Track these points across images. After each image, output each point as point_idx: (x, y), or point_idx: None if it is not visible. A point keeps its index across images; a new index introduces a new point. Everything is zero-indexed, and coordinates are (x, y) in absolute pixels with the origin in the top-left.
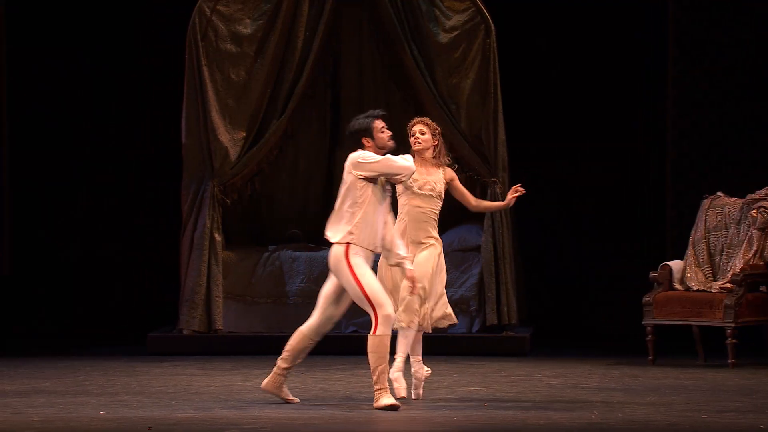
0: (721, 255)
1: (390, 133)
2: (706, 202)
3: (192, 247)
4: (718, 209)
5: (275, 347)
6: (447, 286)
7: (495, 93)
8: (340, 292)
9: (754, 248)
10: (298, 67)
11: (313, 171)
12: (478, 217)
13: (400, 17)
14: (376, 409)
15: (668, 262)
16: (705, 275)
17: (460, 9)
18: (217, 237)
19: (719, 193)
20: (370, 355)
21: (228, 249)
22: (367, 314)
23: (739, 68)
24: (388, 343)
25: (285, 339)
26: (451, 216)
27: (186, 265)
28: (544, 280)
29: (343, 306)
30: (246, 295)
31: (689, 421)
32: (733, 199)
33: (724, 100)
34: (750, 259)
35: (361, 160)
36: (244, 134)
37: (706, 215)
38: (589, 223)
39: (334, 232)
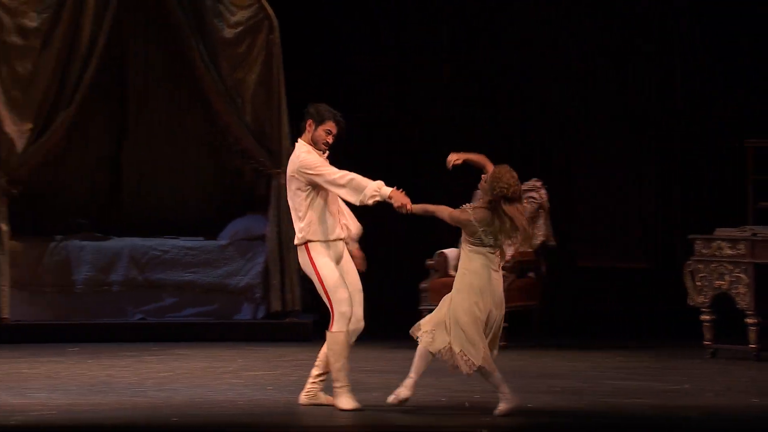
0: None
1: (330, 141)
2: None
3: None
4: None
5: (62, 335)
6: (233, 274)
7: (279, 87)
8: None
9: None
10: (85, 59)
11: (100, 162)
12: (262, 207)
13: (186, 12)
14: (336, 407)
15: (444, 250)
16: None
17: (245, 5)
18: (3, 227)
19: None
20: (327, 352)
21: (14, 239)
22: (155, 302)
23: (506, 64)
24: (343, 339)
25: (72, 327)
26: (237, 206)
27: None
28: None
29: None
30: (33, 285)
31: (463, 400)
32: None
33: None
34: (520, 247)
35: (315, 170)
36: (31, 126)
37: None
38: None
39: (296, 233)
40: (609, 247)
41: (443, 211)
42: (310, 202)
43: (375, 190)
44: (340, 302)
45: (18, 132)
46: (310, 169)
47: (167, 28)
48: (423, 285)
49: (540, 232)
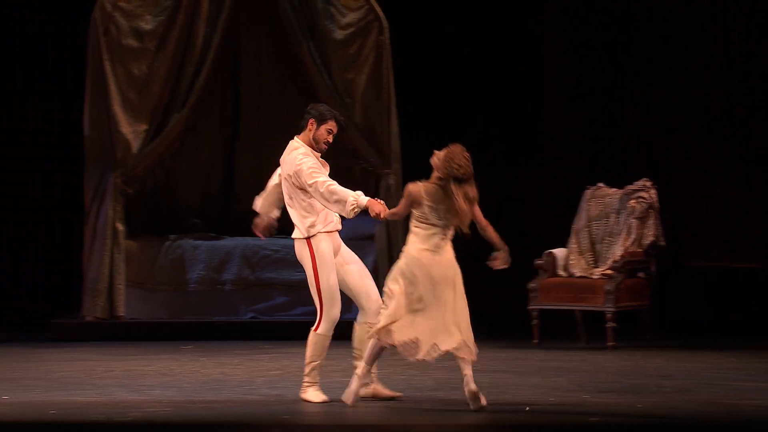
0: (602, 243)
1: (331, 140)
2: (587, 192)
3: (95, 236)
4: (599, 199)
5: (176, 333)
6: None
7: (388, 88)
8: (343, 271)
9: (633, 236)
10: (199, 61)
11: (213, 163)
12: None
13: (298, 14)
14: (302, 398)
15: (552, 250)
16: (587, 262)
17: (355, 7)
18: (120, 226)
19: (600, 184)
20: (307, 348)
21: (130, 238)
22: (266, 301)
23: (613, 63)
24: (326, 343)
25: (185, 325)
26: None
27: (89, 253)
28: None
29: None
30: (147, 283)
31: (572, 401)
32: (613, 189)
33: (601, 93)
34: (629, 247)
35: (309, 174)
36: (146, 127)
37: (588, 205)
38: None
39: (295, 227)
40: (721, 247)
41: (402, 203)
42: (311, 197)
43: (352, 203)
44: (332, 307)
45: (133, 133)
46: (302, 177)
47: (279, 31)
48: (531, 285)
49: (650, 232)
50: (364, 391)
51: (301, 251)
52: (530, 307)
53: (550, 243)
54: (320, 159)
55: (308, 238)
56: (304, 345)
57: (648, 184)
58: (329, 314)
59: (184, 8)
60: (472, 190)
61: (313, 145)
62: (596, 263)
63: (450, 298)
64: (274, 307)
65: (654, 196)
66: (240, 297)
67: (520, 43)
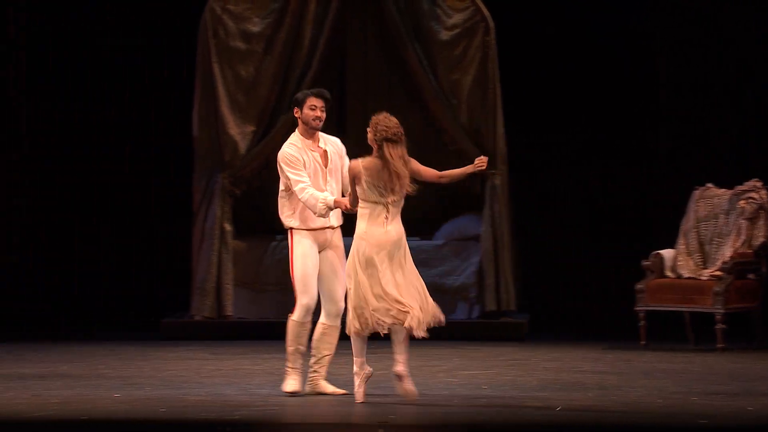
0: (711, 244)
1: (319, 114)
2: (696, 193)
3: (203, 236)
4: (708, 200)
5: (283, 332)
6: (448, 274)
7: (494, 89)
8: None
9: (743, 237)
10: (305, 63)
11: None
12: (477, 207)
13: (403, 15)
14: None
15: (660, 251)
16: (695, 263)
17: (461, 8)
18: (227, 227)
19: (709, 185)
20: (287, 335)
21: (237, 238)
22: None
23: (724, 66)
24: (301, 330)
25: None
26: (451, 207)
27: (197, 253)
28: (541, 268)
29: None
30: (255, 283)
31: (680, 403)
32: (722, 190)
33: (710, 92)
34: (739, 248)
35: (286, 170)
36: (253, 128)
37: (697, 206)
38: (584, 212)
39: (282, 219)
40: None
41: (350, 188)
42: (289, 193)
43: (322, 208)
44: (303, 295)
45: (241, 134)
46: (284, 168)
47: (385, 32)
48: (639, 286)
49: (760, 233)
50: (308, 387)
51: (288, 241)
52: (637, 308)
53: (657, 244)
54: (320, 146)
55: (291, 230)
56: (414, 345)
57: (758, 184)
58: (301, 302)
59: (292, 10)
60: (405, 154)
61: (306, 128)
62: (705, 264)
63: (400, 274)
64: None
65: (764, 196)
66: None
67: (622, 42)
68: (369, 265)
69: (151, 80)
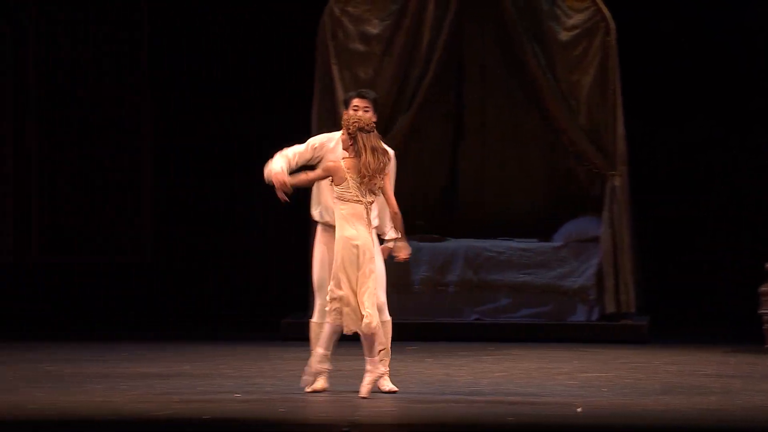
0: None
1: (358, 114)
2: None
3: None
4: None
5: (401, 334)
6: (567, 276)
7: (614, 89)
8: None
9: None
10: (424, 65)
11: (436, 164)
12: (596, 208)
13: (522, 16)
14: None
15: None
16: None
17: (581, 8)
18: None
19: None
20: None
21: None
22: (490, 302)
23: None
24: (319, 330)
25: (409, 326)
26: (570, 208)
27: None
28: (661, 269)
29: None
30: None
31: None
32: None
33: None
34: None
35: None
36: None
37: None
38: (705, 213)
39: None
40: None
41: (316, 171)
42: (323, 186)
43: (266, 171)
44: (317, 295)
45: None
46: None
47: (503, 33)
48: (762, 288)
49: None
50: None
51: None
52: (761, 311)
53: None
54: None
55: (317, 225)
56: (529, 347)
57: None
58: (316, 302)
59: (410, 13)
60: (380, 144)
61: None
62: None
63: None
64: (498, 309)
65: None
66: (464, 299)
67: (738, 38)
68: (351, 265)
69: (272, 83)
